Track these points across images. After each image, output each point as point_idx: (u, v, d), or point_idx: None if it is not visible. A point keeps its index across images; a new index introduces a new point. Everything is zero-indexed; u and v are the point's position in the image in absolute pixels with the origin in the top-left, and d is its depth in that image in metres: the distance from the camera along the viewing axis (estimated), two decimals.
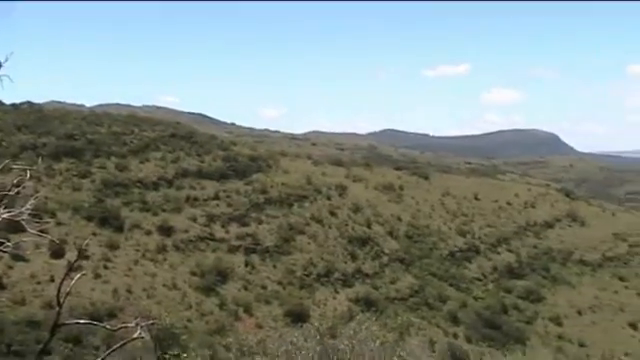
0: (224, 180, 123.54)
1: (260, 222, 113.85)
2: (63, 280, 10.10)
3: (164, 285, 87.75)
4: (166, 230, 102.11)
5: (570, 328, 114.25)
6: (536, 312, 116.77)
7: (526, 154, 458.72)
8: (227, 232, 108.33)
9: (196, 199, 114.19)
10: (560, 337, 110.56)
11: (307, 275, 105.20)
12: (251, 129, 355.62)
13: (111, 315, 73.36)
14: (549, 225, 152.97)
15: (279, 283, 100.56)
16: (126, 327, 12.69)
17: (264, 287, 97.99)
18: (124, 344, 11.25)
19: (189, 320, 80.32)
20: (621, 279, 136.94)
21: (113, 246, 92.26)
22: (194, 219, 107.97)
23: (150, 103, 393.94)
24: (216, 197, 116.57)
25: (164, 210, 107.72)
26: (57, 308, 9.86)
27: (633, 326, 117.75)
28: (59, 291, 9.64)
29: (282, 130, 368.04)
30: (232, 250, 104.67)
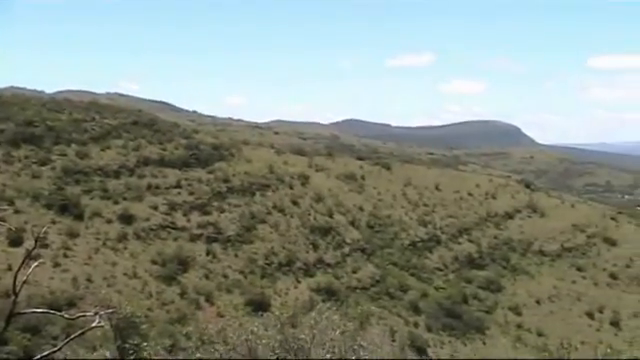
0: (186, 168, 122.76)
1: (222, 211, 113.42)
2: (20, 268, 9.98)
3: (125, 274, 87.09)
4: (127, 218, 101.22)
5: (529, 317, 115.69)
6: (496, 302, 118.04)
7: (488, 145, 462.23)
8: (189, 221, 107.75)
9: (158, 187, 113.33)
10: (519, 326, 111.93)
11: (269, 264, 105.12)
12: (214, 117, 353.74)
13: (71, 304, 72.56)
14: (509, 216, 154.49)
15: (240, 272, 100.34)
16: (85, 316, 12.60)
17: (225, 276, 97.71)
18: (82, 333, 11.18)
19: (150, 309, 79.69)
20: (579, 269, 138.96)
21: (73, 234, 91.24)
22: (155, 207, 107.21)
23: (112, 90, 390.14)
24: (178, 185, 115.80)
25: (125, 198, 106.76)
26: (13, 297, 9.73)
27: (590, 315, 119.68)
28: (15, 279, 9.50)
29: (245, 119, 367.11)
30: (193, 239, 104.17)
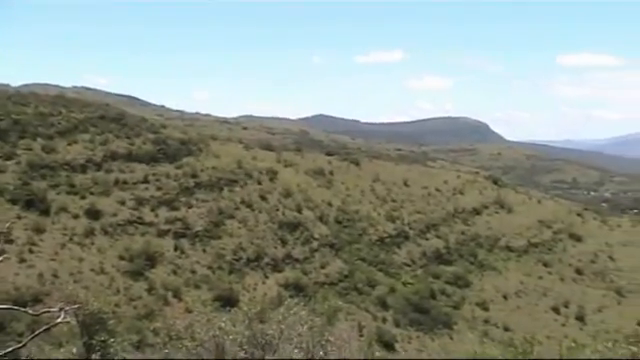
0: (154, 163, 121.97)
1: (190, 206, 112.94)
2: None
3: (92, 270, 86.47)
4: (94, 214, 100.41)
5: (496, 312, 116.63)
6: (463, 297, 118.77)
7: (456, 142, 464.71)
8: (156, 216, 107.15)
9: (125, 182, 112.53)
10: (486, 321, 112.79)
11: (237, 260, 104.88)
12: (182, 112, 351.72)
13: (36, 300, 71.80)
14: (477, 212, 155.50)
15: (209, 268, 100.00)
16: (49, 312, 12.49)
17: (193, 272, 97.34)
18: (47, 329, 11.07)
19: (117, 305, 79.07)
20: (545, 265, 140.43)
21: (39, 230, 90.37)
22: (123, 203, 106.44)
23: (79, 84, 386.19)
24: (145, 180, 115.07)
25: (92, 193, 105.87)
26: None
27: (556, 310, 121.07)
28: None
29: (213, 114, 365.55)
30: (161, 234, 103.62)
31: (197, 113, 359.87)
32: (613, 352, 14.07)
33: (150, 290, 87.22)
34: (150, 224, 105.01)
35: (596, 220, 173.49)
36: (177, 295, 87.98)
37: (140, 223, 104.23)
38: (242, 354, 17.36)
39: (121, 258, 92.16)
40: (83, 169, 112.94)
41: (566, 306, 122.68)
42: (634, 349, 14.02)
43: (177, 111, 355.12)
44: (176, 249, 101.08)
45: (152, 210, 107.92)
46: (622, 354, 14.01)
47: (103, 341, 18.45)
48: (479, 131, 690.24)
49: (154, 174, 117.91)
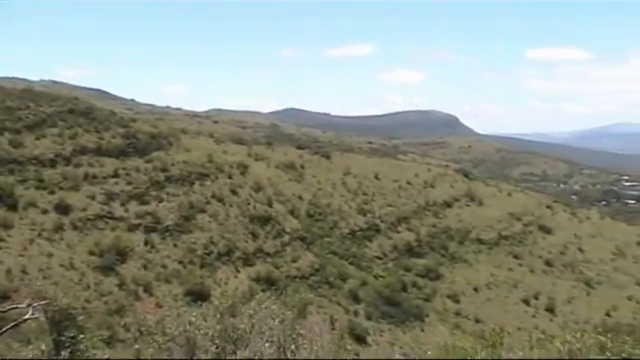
0: (124, 158, 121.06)
1: (160, 200, 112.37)
2: None
3: (61, 265, 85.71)
4: (63, 209, 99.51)
5: (467, 305, 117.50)
6: (435, 290, 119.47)
7: (426, 135, 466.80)
8: (127, 210, 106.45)
9: (95, 177, 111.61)
10: (457, 313, 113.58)
11: (208, 254, 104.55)
12: (152, 106, 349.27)
13: (4, 297, 71.00)
14: (448, 205, 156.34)
15: (180, 262, 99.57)
16: (17, 308, 12.35)
17: (164, 266, 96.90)
18: (15, 326, 10.93)
19: (87, 301, 78.65)
20: (515, 257, 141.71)
21: (7, 225, 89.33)
22: (92, 197, 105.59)
23: (47, 77, 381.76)
24: (115, 175, 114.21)
25: (61, 188, 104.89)
26: None
27: (526, 302, 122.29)
28: None
29: (184, 107, 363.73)
30: (132, 229, 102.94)
31: (167, 107, 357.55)
32: (581, 342, 14.20)
33: (121, 285, 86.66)
34: (120, 219, 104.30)
35: (566, 212, 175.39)
36: (148, 290, 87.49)
37: (110, 218, 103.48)
38: (213, 349, 17.29)
39: (91, 253, 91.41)
40: (52, 164, 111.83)
41: (536, 298, 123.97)
42: (602, 339, 14.15)
43: (147, 105, 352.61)
44: (147, 244, 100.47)
45: (122, 205, 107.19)
46: (590, 344, 14.14)
47: (73, 337, 18.27)
48: (449, 124, 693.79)
49: (124, 168, 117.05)
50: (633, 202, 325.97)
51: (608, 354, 13.93)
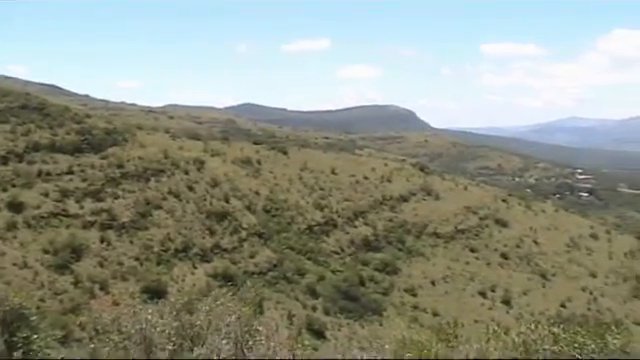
0: (78, 154, 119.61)
1: (116, 197, 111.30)
2: None
3: (14, 264, 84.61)
4: (16, 206, 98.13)
5: (424, 298, 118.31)
6: (392, 284, 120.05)
7: (383, 130, 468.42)
8: (82, 208, 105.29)
9: (49, 174, 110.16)
10: (415, 307, 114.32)
11: (165, 250, 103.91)
12: (106, 102, 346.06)
13: None
14: (404, 199, 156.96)
15: (136, 259, 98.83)
16: None
17: (120, 263, 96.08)
18: None
19: (42, 300, 77.83)
20: (472, 250, 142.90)
21: None
22: (46, 194, 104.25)
23: None
24: (70, 172, 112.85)
25: (14, 185, 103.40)
26: None
27: (483, 294, 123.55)
28: None
29: (139, 103, 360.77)
30: (87, 226, 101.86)
31: (122, 102, 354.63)
32: (535, 334, 14.38)
33: (76, 283, 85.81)
34: (75, 216, 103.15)
35: (521, 206, 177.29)
36: (104, 288, 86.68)
37: (65, 215, 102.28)
38: (170, 346, 17.17)
39: (45, 252, 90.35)
40: (4, 160, 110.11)
41: (493, 290, 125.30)
42: (555, 330, 14.35)
43: (102, 100, 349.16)
44: (102, 241, 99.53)
45: (77, 202, 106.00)
46: (544, 335, 14.32)
47: (26, 337, 18.02)
48: (406, 119, 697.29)
49: (79, 165, 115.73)
50: (586, 195, 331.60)
51: (561, 345, 14.12)
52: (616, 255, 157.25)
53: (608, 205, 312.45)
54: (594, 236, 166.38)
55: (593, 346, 14.02)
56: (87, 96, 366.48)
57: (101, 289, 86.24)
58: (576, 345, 14.02)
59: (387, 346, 16.52)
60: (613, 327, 14.55)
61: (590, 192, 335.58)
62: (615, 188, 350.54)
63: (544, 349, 14.16)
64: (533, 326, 14.71)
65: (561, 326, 14.64)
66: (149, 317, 17.45)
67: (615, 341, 14.20)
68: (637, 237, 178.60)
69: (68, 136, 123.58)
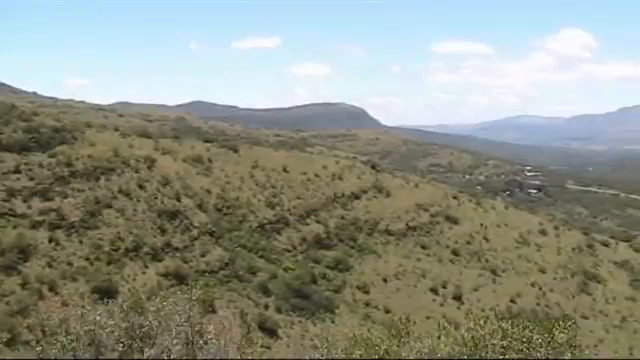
0: (25, 152, 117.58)
1: (65, 196, 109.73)
2: None
3: None
4: None
5: (376, 295, 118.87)
6: (344, 281, 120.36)
7: (334, 127, 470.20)
8: (29, 207, 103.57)
9: None
10: (367, 304, 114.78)
11: (115, 250, 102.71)
12: (54, 99, 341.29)
13: None
14: (356, 196, 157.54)
15: (86, 259, 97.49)
16: None
17: (70, 264, 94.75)
18: None
19: None
20: (423, 247, 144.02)
21: None
22: None
23: None
24: (17, 170, 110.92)
25: None
26: None
27: (434, 291, 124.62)
28: None
29: (88, 100, 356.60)
30: (35, 226, 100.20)
31: (71, 100, 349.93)
32: (484, 328, 14.58)
33: (24, 285, 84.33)
34: (23, 216, 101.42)
35: (471, 203, 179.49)
36: (53, 289, 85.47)
37: (12, 215, 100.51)
38: (120, 347, 17.02)
39: None
40: None
41: (444, 286, 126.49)
42: (504, 325, 14.56)
43: (50, 98, 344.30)
44: (51, 241, 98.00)
45: (24, 201, 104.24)
46: (492, 329, 14.53)
47: None
48: (357, 117, 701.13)
49: (26, 163, 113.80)
50: (535, 191, 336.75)
51: (509, 339, 14.32)
52: (564, 250, 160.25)
53: (556, 201, 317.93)
54: (543, 232, 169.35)
55: (540, 340, 14.25)
56: (35, 93, 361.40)
57: (50, 290, 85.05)
58: (524, 340, 14.24)
59: (339, 343, 16.57)
60: (561, 321, 14.80)
61: (539, 189, 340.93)
62: (563, 185, 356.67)
63: (493, 344, 14.36)
64: (482, 322, 14.91)
65: (510, 321, 14.86)
66: (98, 318, 17.28)
67: (562, 335, 14.45)
68: (584, 233, 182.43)
69: (15, 134, 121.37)
